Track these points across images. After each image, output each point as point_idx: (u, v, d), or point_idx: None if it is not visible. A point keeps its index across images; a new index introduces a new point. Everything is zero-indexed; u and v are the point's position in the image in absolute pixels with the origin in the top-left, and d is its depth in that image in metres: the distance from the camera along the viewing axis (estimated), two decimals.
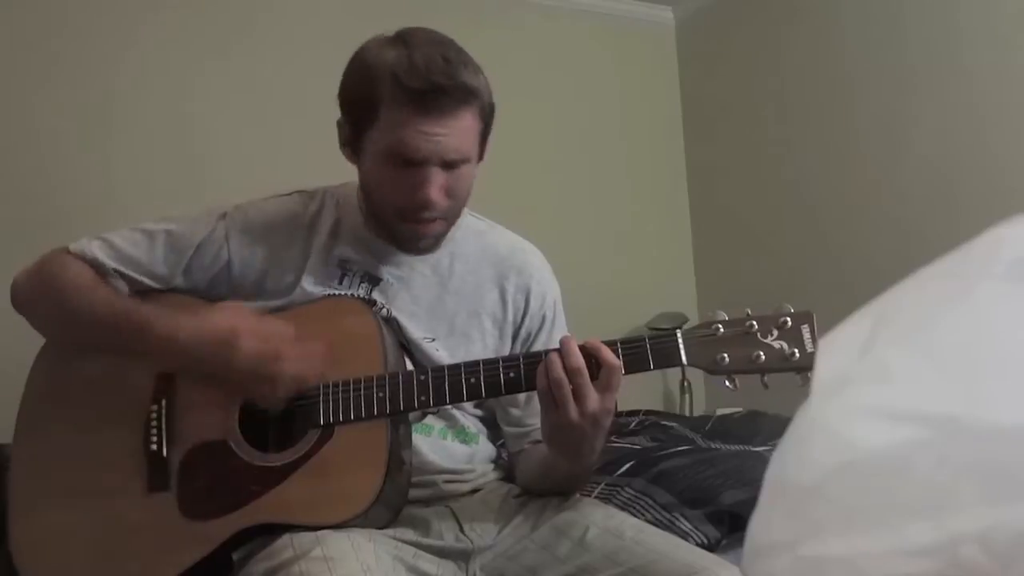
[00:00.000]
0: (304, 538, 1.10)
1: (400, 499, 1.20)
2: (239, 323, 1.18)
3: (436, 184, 1.19)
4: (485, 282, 1.35)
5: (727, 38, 3.38)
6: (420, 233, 1.25)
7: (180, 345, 1.18)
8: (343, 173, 1.33)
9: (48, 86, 2.54)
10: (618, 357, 1.11)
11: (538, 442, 1.33)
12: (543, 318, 1.38)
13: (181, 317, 1.20)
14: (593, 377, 1.10)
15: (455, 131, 1.17)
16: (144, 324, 1.20)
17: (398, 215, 1.24)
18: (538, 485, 1.32)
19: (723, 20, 3.38)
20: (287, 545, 1.10)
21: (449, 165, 1.19)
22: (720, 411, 2.71)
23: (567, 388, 1.09)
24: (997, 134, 2.46)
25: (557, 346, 1.36)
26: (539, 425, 1.31)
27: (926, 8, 2.65)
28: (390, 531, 1.19)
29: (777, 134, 3.16)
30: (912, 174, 2.68)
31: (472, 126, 1.20)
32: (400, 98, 1.15)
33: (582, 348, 1.11)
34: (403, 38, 1.20)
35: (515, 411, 1.34)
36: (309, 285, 1.27)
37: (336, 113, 1.27)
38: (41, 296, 1.30)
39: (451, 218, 1.27)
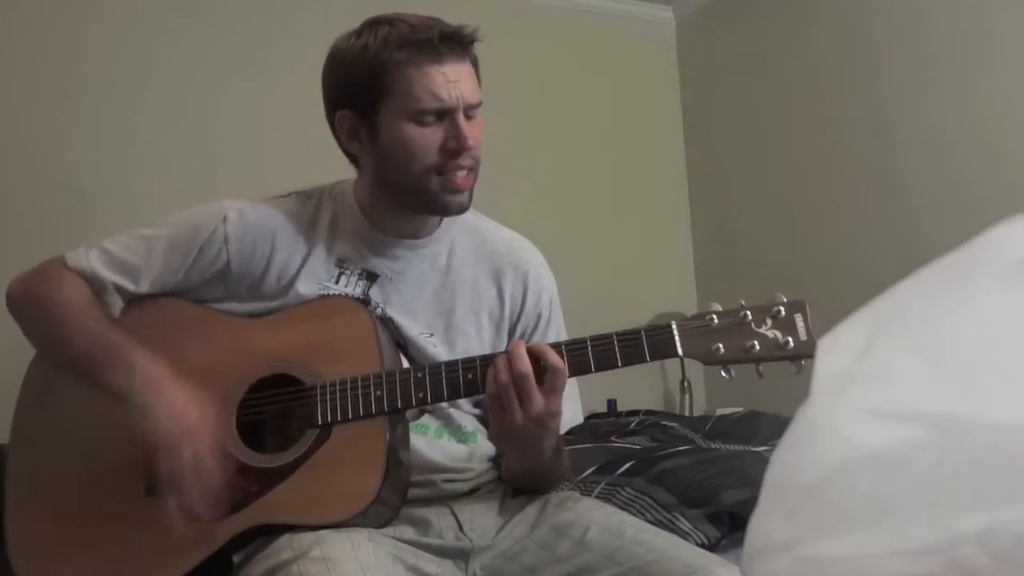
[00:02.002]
0: (303, 538, 1.10)
1: (399, 498, 1.20)
2: (199, 426, 1.14)
3: (466, 127, 1.22)
4: (483, 278, 1.35)
5: (727, 38, 3.38)
6: (458, 185, 1.24)
7: (141, 407, 1.15)
8: (333, 166, 1.35)
9: (38, 85, 2.53)
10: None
11: None
12: (539, 315, 1.38)
13: (165, 383, 1.16)
14: (540, 380, 1.12)
15: (467, 76, 1.22)
16: (121, 361, 1.18)
17: (435, 172, 1.22)
18: (513, 481, 1.34)
19: (723, 20, 3.38)
20: (286, 545, 1.10)
21: (468, 112, 1.23)
22: (720, 411, 2.71)
23: (513, 392, 1.12)
24: (998, 134, 2.46)
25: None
26: None
27: (925, 9, 2.65)
28: (389, 530, 1.19)
29: (777, 134, 3.16)
30: (912, 174, 2.68)
31: (475, 73, 1.25)
32: (412, 57, 1.19)
33: (529, 351, 1.13)
34: (376, 20, 1.25)
35: None
36: (305, 285, 1.27)
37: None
38: (32, 310, 1.29)
39: (476, 171, 1.27)
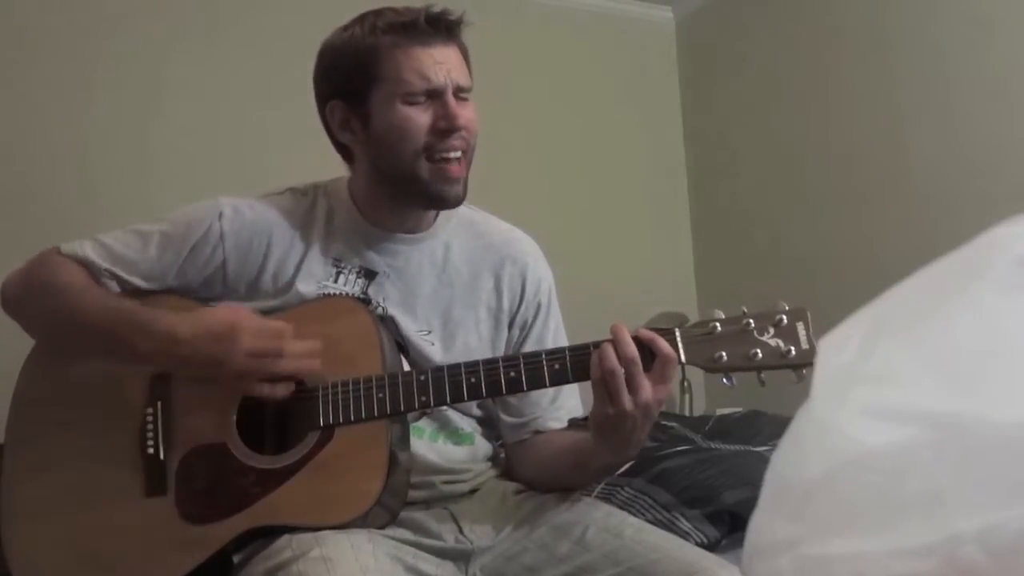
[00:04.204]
0: (303, 538, 1.10)
1: (399, 500, 1.20)
2: (238, 320, 1.17)
3: (456, 107, 1.23)
4: (480, 271, 1.35)
5: (727, 38, 3.38)
6: (450, 175, 1.24)
7: (179, 342, 1.16)
8: (331, 164, 1.36)
9: (36, 83, 2.53)
10: (675, 348, 1.11)
11: (539, 432, 1.33)
12: (538, 305, 1.38)
13: (178, 316, 1.19)
14: (646, 368, 1.10)
15: (455, 60, 1.24)
16: (141, 323, 1.19)
17: (427, 155, 1.23)
18: (557, 478, 1.31)
19: (723, 20, 3.38)
20: (286, 545, 1.10)
21: (459, 95, 1.24)
22: (720, 411, 2.71)
23: (621, 378, 1.09)
24: (998, 134, 2.46)
25: (553, 333, 1.38)
26: (538, 415, 1.33)
27: (926, 8, 2.65)
28: (389, 531, 1.19)
29: (777, 133, 3.16)
30: (913, 174, 2.68)
31: (464, 59, 1.26)
32: (399, 40, 1.21)
33: (635, 338, 1.11)
34: (363, 14, 1.27)
35: (512, 400, 1.33)
36: (304, 285, 1.27)
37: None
38: (33, 298, 1.28)
39: (469, 158, 1.27)
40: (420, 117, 1.22)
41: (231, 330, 1.16)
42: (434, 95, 1.22)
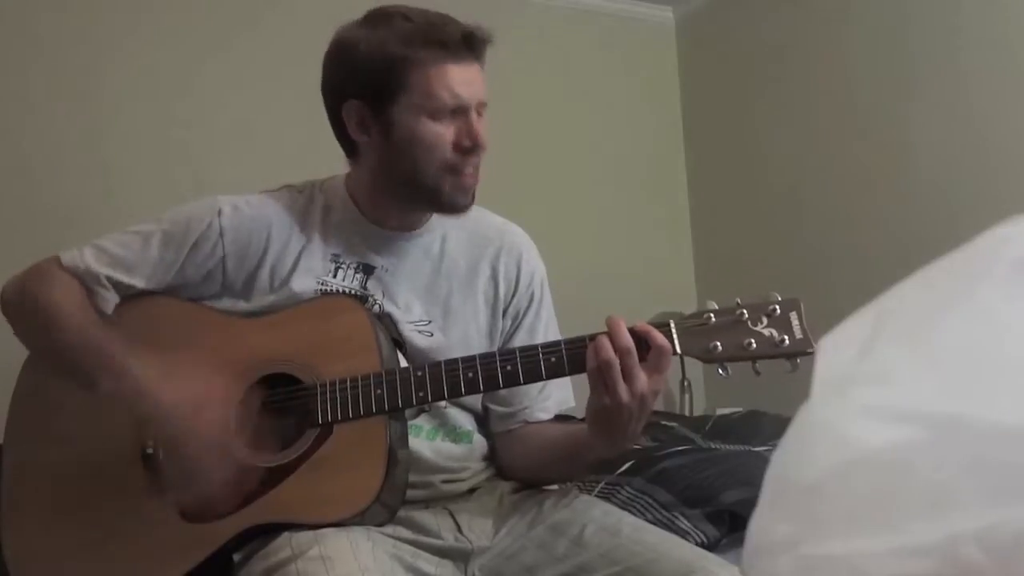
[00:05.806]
0: (302, 537, 1.10)
1: (398, 498, 1.20)
2: (193, 426, 1.15)
3: (478, 126, 1.24)
4: (477, 262, 1.37)
5: (727, 38, 3.38)
6: (467, 185, 1.26)
7: (142, 394, 1.16)
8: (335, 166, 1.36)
9: (42, 84, 2.53)
10: (670, 339, 1.12)
11: (528, 423, 1.34)
12: (531, 295, 1.39)
13: (154, 388, 1.16)
14: (641, 359, 1.10)
15: (479, 76, 1.25)
16: (111, 366, 1.18)
17: (447, 169, 1.24)
18: (547, 468, 1.33)
19: (723, 20, 3.38)
20: (285, 544, 1.10)
21: (479, 110, 1.25)
22: (720, 411, 2.70)
23: (617, 369, 1.10)
24: (998, 134, 2.46)
25: (544, 324, 1.38)
26: (527, 405, 1.34)
27: (928, 9, 2.65)
28: (388, 530, 1.19)
29: (777, 134, 3.16)
30: (913, 173, 2.68)
31: (482, 73, 1.27)
32: (434, 54, 1.20)
33: (631, 330, 1.12)
34: (387, 13, 1.25)
35: (501, 390, 1.33)
36: (303, 280, 1.27)
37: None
38: (25, 311, 1.28)
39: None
40: (445, 133, 1.22)
41: (182, 435, 1.15)
42: (458, 112, 1.22)
